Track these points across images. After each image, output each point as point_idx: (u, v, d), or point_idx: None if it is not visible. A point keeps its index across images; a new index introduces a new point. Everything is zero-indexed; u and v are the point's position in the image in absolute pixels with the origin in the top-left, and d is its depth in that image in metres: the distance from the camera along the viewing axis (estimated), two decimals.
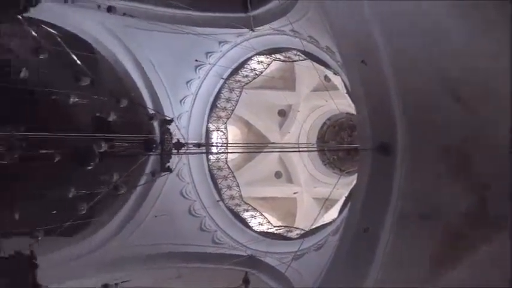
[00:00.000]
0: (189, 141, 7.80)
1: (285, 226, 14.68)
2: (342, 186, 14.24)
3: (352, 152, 16.03)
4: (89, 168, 5.51)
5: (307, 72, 14.90)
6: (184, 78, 11.79)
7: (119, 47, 10.58)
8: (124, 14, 8.29)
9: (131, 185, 9.83)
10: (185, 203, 12.42)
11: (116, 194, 8.67)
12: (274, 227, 14.47)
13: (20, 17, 8.66)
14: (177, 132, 11.32)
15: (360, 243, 8.55)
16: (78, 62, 7.86)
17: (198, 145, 8.40)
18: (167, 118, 8.01)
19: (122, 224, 11.20)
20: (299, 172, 17.53)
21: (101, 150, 6.11)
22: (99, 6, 8.03)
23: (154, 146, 6.60)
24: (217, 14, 10.50)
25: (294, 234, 13.99)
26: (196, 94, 12.15)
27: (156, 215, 11.25)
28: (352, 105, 13.40)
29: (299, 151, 16.93)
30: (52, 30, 9.57)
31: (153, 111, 8.20)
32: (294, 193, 17.21)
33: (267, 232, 13.70)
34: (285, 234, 14.02)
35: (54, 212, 7.03)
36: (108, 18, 9.67)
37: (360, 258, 8.38)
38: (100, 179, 7.94)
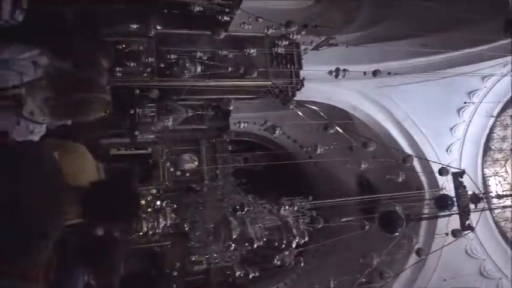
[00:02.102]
0: (488, 193, 6.92)
1: None
2: None
3: None
4: (396, 234, 5.44)
5: None
6: (447, 124, 10.98)
7: (374, 108, 10.81)
8: (389, 74, 8.48)
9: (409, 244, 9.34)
10: (473, 262, 10.99)
11: (420, 260, 8.41)
12: None
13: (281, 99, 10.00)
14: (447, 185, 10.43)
15: None
16: (344, 133, 8.29)
17: (499, 196, 7.37)
18: (458, 170, 7.41)
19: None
20: None
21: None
22: (364, 73, 8.46)
23: (449, 203, 6.04)
24: (476, 49, 9.58)
25: None
26: (464, 139, 11.08)
27: (444, 278, 10.27)
28: None
29: None
30: (313, 107, 10.63)
31: (442, 165, 7.76)
32: None
33: None
34: None
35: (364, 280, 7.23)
36: (361, 83, 10.11)
37: None
38: (399, 242, 7.86)
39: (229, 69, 8.16)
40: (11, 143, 2.53)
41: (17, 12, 2.72)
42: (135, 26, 7.86)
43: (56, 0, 3.20)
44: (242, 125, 9.38)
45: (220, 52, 8.09)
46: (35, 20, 2.97)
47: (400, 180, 7.67)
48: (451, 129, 11.04)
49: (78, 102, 2.64)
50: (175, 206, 9.25)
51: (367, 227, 6.80)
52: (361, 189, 13.02)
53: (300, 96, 9.98)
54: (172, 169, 11.21)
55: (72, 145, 3.27)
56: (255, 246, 5.74)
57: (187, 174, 11.26)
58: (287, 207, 6.54)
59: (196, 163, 11.83)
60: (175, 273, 9.82)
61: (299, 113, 10.06)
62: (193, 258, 8.45)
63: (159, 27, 7.63)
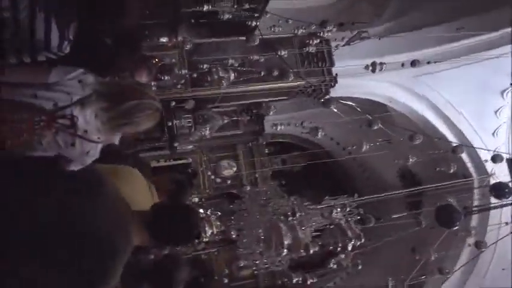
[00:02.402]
0: None
1: None
2: None
3: None
4: (455, 228, 5.22)
5: None
6: (491, 107, 10.52)
7: (412, 98, 10.50)
8: (428, 63, 8.23)
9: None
10: None
11: (479, 252, 8.11)
12: None
13: (321, 101, 9.86)
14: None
15: None
16: (387, 128, 8.05)
17: None
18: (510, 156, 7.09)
19: (463, 280, 10.26)
20: None
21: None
22: (402, 65, 8.24)
23: (507, 191, 5.69)
24: None
25: None
26: (511, 121, 10.60)
27: (503, 267, 9.84)
28: None
29: None
30: (349, 102, 10.42)
31: (494, 151, 7.43)
32: None
33: None
34: None
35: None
36: (396, 74, 9.85)
37: None
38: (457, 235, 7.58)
39: (262, 73, 8.14)
40: (67, 166, 2.55)
41: (65, 43, 2.75)
42: (166, 40, 7.97)
43: (99, 27, 3.21)
44: (279, 127, 9.33)
45: (251, 57, 8.08)
46: (79, 47, 2.99)
47: (451, 171, 7.38)
48: (496, 112, 10.58)
49: (132, 109, 2.59)
50: (219, 213, 9.31)
51: (423, 224, 6.53)
52: (403, 183, 12.68)
53: (334, 93, 9.84)
54: (212, 177, 11.29)
55: (124, 169, 3.30)
56: (311, 252, 5.63)
57: (228, 181, 11.31)
58: (339, 209, 6.39)
59: (234, 169, 11.86)
60: (225, 281, 9.88)
61: (335, 110, 9.90)
62: (241, 264, 8.44)
63: (190, 38, 7.69)
